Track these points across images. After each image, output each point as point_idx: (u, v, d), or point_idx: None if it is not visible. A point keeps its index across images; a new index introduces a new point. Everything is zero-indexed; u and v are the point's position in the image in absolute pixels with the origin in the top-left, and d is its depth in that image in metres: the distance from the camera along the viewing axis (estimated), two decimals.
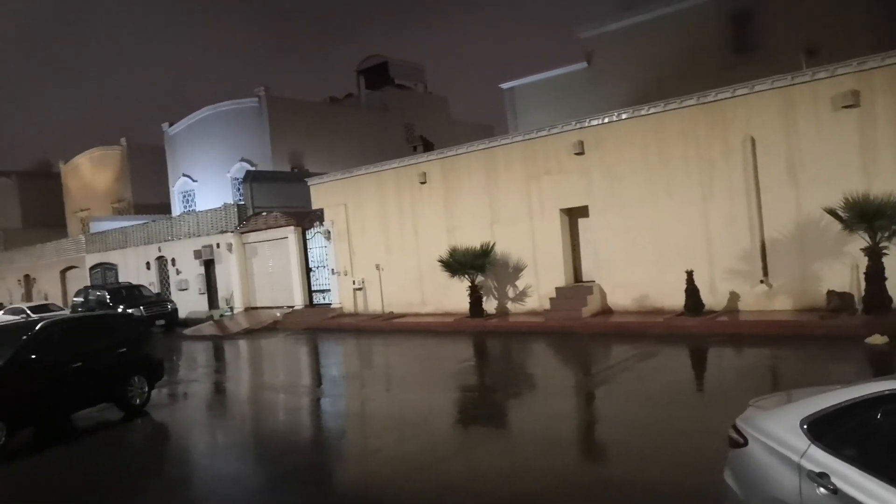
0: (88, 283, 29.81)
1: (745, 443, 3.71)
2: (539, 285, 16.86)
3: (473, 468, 6.59)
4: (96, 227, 34.33)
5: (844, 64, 12.40)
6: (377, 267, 20.37)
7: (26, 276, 37.49)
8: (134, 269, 29.35)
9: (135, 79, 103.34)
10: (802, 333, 11.58)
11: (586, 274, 16.62)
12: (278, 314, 22.09)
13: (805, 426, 3.34)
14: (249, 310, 24.19)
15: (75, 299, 26.00)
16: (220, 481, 6.99)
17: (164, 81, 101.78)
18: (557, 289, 16.27)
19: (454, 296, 17.93)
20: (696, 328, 12.95)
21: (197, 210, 30.42)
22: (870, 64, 12.13)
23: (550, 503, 5.48)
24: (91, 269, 32.11)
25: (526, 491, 5.75)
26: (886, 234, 11.29)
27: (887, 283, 11.37)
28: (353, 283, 21.07)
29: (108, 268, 31.37)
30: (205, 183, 33.41)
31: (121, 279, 29.37)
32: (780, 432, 3.47)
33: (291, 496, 6.25)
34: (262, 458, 7.83)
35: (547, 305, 16.13)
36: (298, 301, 22.76)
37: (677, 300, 13.89)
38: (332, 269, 21.82)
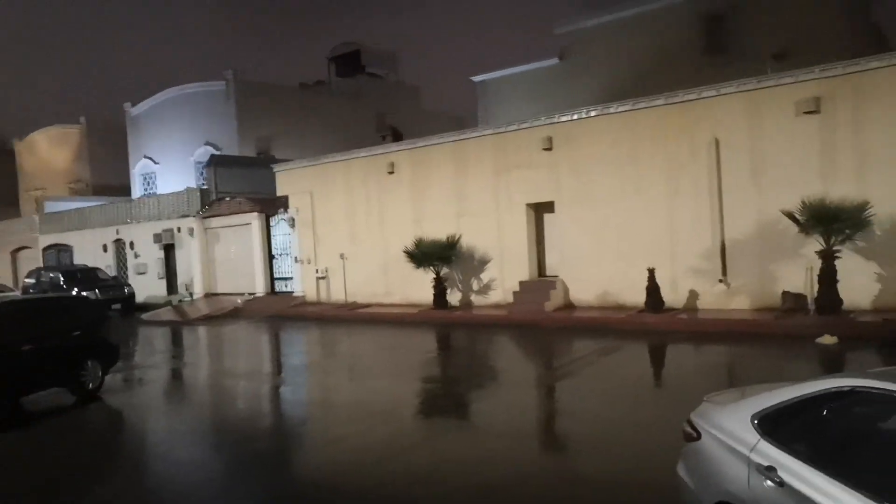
0: (41, 265, 28.88)
1: (699, 437, 3.78)
2: (503, 279, 16.93)
3: (436, 458, 6.59)
4: (51, 207, 33.24)
5: (808, 70, 12.69)
6: (342, 256, 20.20)
7: None
8: (90, 251, 28.53)
9: (96, 56, 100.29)
10: (758, 332, 11.89)
11: (550, 269, 16.75)
12: (239, 301, 21.75)
13: (756, 421, 3.42)
14: (210, 296, 23.76)
15: (27, 280, 25.17)
16: (180, 466, 6.85)
17: (127, 60, 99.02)
18: (521, 282, 16.37)
19: (419, 287, 17.90)
20: (656, 325, 13.17)
21: (158, 193, 29.72)
22: (832, 71, 12.44)
23: (512, 492, 5.52)
24: (44, 249, 31.12)
25: (487, 480, 5.78)
26: (840, 238, 11.64)
27: (839, 285, 11.73)
28: (317, 271, 20.87)
29: (62, 249, 30.46)
30: (167, 166, 32.66)
31: (76, 261, 28.54)
32: (731, 427, 3.54)
33: (252, 484, 6.16)
34: (221, 446, 7.69)
35: (510, 299, 16.22)
36: (260, 288, 22.45)
37: (639, 297, 14.10)
38: (296, 258, 21.57)
